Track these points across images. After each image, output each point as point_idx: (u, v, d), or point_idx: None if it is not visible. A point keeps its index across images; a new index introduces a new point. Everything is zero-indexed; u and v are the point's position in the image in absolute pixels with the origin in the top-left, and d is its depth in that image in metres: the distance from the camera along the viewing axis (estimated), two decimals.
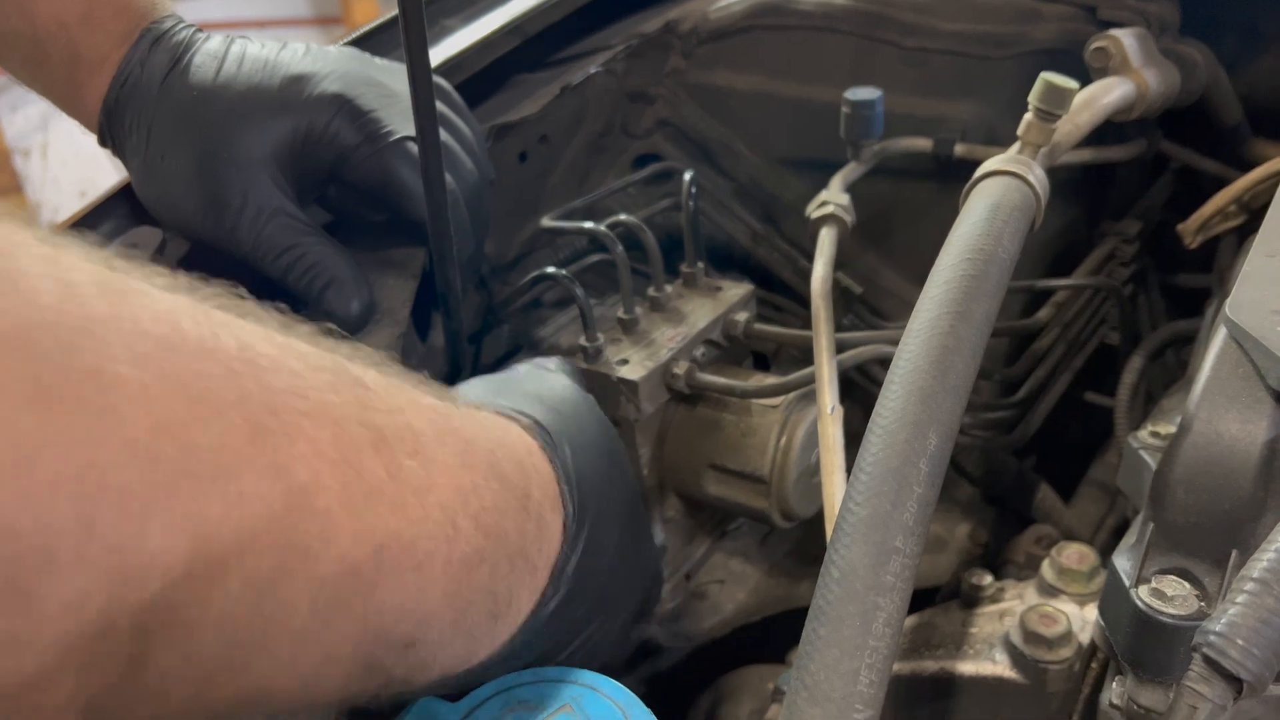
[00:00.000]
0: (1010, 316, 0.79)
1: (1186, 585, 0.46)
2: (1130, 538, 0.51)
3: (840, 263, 0.87)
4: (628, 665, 0.72)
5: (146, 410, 0.25)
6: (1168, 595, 0.46)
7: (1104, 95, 0.68)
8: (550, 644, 0.44)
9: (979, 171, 0.58)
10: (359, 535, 0.31)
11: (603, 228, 0.65)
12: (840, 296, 0.79)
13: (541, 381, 0.49)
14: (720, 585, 0.72)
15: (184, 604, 0.26)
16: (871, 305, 0.84)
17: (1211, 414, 0.47)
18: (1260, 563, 0.38)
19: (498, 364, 0.76)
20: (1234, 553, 0.46)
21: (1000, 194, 0.54)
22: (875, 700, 0.38)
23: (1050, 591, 0.63)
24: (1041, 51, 0.77)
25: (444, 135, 0.63)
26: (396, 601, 0.33)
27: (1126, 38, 0.70)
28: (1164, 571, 0.48)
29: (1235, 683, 0.37)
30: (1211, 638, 0.37)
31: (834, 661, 0.38)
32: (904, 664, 0.63)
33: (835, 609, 0.39)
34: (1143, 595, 0.46)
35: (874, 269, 0.86)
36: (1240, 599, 0.38)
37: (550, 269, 0.64)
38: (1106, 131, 0.79)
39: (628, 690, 0.43)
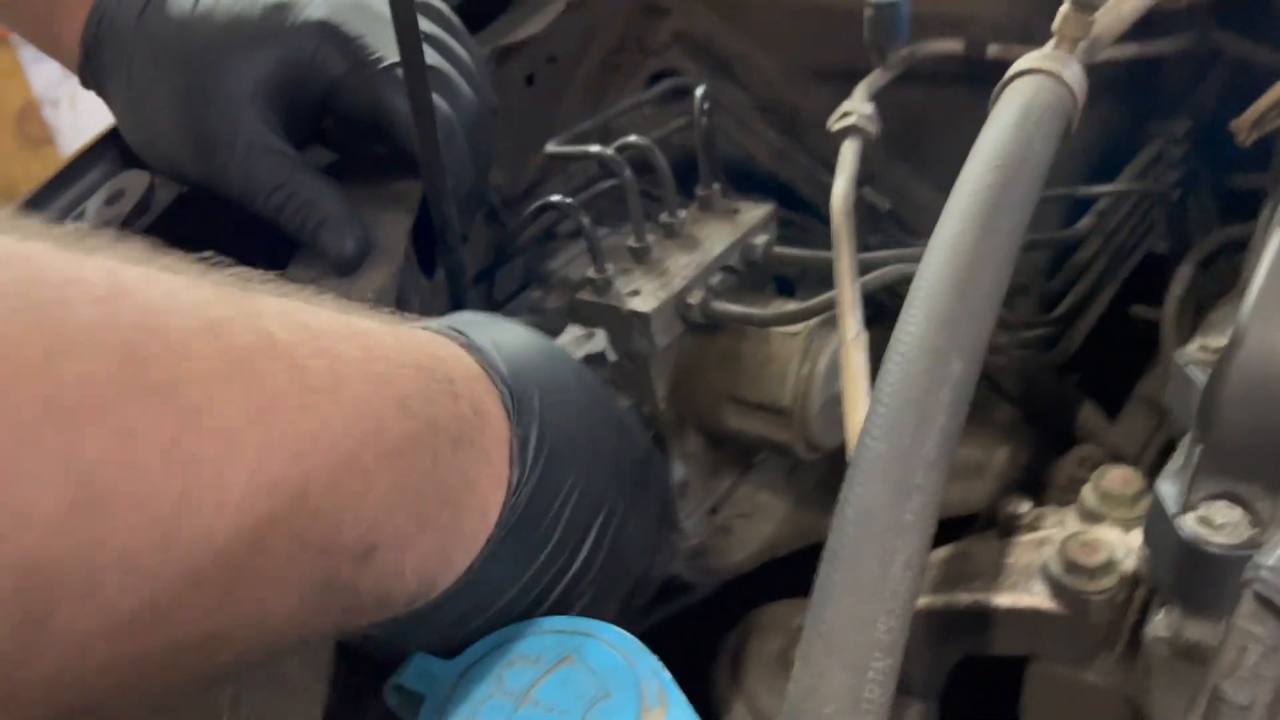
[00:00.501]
0: (1049, 227, 0.74)
1: (1238, 511, 0.43)
2: (1176, 461, 0.48)
3: (867, 177, 0.83)
4: (652, 603, 0.71)
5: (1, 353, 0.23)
6: (1216, 523, 0.43)
7: None
8: (542, 548, 0.41)
9: (1010, 71, 0.54)
10: (268, 446, 0.29)
11: (610, 151, 0.62)
12: (866, 214, 0.75)
13: (476, 317, 0.46)
14: (746, 519, 0.69)
15: (77, 550, 0.24)
16: (902, 220, 0.80)
17: (1266, 326, 0.43)
18: None
19: (513, 298, 0.73)
20: None
21: (1031, 94, 0.50)
22: (895, 647, 0.35)
23: (1092, 517, 0.60)
24: None
25: (438, 60, 0.60)
26: (332, 505, 0.31)
27: None
28: (1213, 497, 0.44)
29: None
30: (1263, 573, 0.34)
31: (850, 608, 0.36)
32: (937, 597, 0.60)
33: (851, 551, 0.37)
34: (1189, 524, 0.43)
35: (904, 182, 0.81)
36: None
37: (555, 198, 0.61)
38: (1153, 22, 0.73)
39: (632, 637, 0.41)
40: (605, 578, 0.45)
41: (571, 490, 0.42)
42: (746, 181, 0.85)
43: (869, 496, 0.37)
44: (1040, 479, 0.78)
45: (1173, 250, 0.74)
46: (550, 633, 0.41)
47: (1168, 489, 0.45)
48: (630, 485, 0.46)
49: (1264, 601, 0.34)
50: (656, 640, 0.85)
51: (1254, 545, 0.42)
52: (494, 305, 0.74)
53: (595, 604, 0.45)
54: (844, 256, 0.57)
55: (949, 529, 0.78)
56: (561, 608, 0.43)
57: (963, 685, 0.64)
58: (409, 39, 0.50)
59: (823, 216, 0.82)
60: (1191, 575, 0.43)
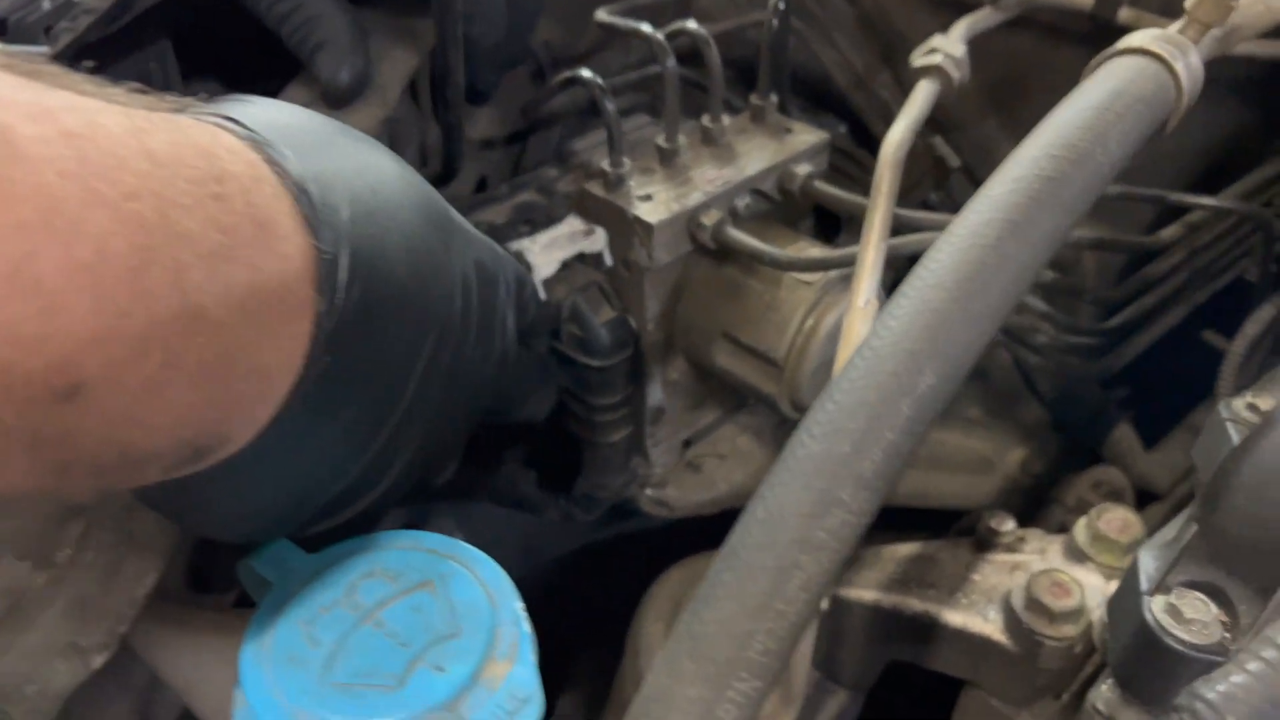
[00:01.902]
0: (1137, 229, 0.67)
1: (1213, 608, 0.38)
2: (1168, 532, 0.42)
3: (951, 125, 0.75)
4: (605, 517, 0.68)
5: None
6: (1185, 615, 0.37)
7: None
8: (362, 387, 0.36)
9: (1117, 45, 0.46)
10: None
11: (658, 35, 0.55)
12: (932, 167, 0.68)
13: (271, 110, 0.37)
14: (720, 460, 0.65)
15: None
16: (976, 179, 0.72)
17: None
18: None
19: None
20: None
21: (1128, 79, 0.43)
22: (767, 671, 0.31)
23: (1077, 556, 0.55)
24: None
25: None
26: None
27: None
28: (1193, 584, 0.39)
29: None
30: (1199, 705, 0.29)
31: (729, 616, 0.32)
32: (888, 595, 0.56)
33: (748, 556, 0.32)
34: (1155, 608, 0.38)
35: (991, 139, 0.73)
36: (1252, 665, 0.29)
37: (584, 72, 0.55)
38: None
39: (504, 575, 0.37)
40: (440, 410, 0.39)
41: (395, 316, 0.36)
42: (823, 100, 0.77)
43: (785, 500, 0.32)
44: (1051, 492, 0.72)
45: (1261, 284, 0.65)
46: (421, 550, 0.38)
47: (1147, 561, 0.40)
48: (468, 305, 0.40)
49: None
50: (599, 556, 0.83)
51: (1222, 650, 0.37)
52: (519, 174, 0.70)
53: (431, 437, 0.40)
54: (879, 211, 0.50)
55: (939, 522, 0.74)
56: (390, 449, 0.38)
57: (894, 686, 0.61)
58: None
59: None
60: (1141, 662, 0.39)
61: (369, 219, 0.35)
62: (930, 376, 0.34)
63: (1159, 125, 0.44)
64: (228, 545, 0.41)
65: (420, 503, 0.77)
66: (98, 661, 0.37)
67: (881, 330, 0.35)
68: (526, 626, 0.36)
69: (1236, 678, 0.29)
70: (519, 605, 0.36)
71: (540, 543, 0.83)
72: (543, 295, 0.54)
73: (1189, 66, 0.45)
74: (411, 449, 0.39)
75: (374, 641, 0.35)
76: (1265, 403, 0.49)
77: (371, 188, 0.36)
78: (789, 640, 0.32)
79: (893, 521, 0.74)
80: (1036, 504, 0.72)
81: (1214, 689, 0.29)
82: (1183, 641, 0.37)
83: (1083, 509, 0.71)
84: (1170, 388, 0.79)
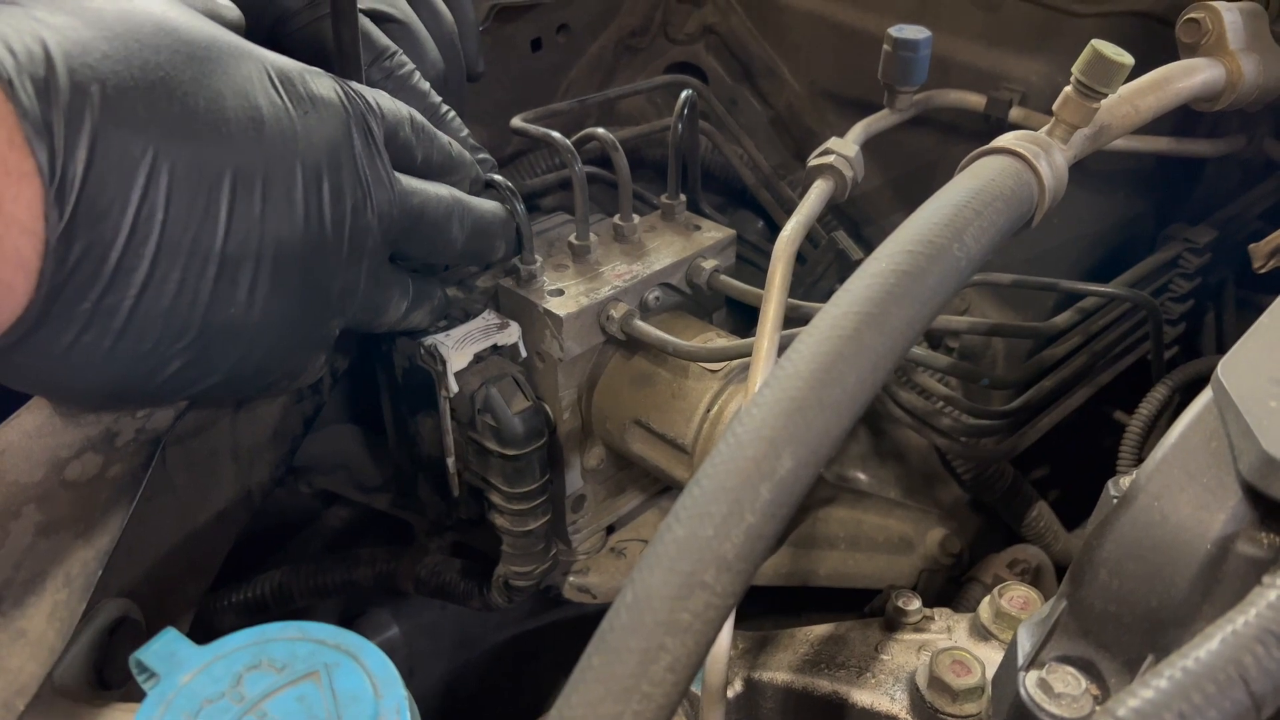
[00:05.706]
0: (1038, 316, 0.69)
1: (1083, 682, 0.39)
2: (1044, 609, 0.43)
3: (864, 220, 0.78)
4: (535, 607, 0.68)
5: None
6: (1054, 690, 0.39)
7: (1182, 78, 0.57)
8: (144, 233, 0.36)
9: (986, 146, 0.49)
10: None
11: (566, 141, 0.58)
12: (834, 259, 0.70)
13: None
14: (643, 545, 0.66)
15: None
16: None
17: (1163, 490, 0.39)
18: (1132, 699, 0.31)
19: None
20: (1150, 657, 0.39)
21: (989, 178, 0.45)
22: None
23: (982, 634, 0.56)
24: (1135, 15, 0.66)
25: (408, 13, 0.57)
26: None
27: (1229, 13, 0.59)
28: (1065, 659, 0.40)
29: None
30: None
31: (596, 699, 0.33)
32: (799, 677, 0.57)
33: (616, 639, 0.33)
34: (1028, 683, 0.39)
35: None
36: None
37: (497, 177, 0.57)
38: (1199, 121, 0.68)
39: (390, 665, 0.38)
40: (276, 248, 0.40)
41: (159, 159, 0.36)
42: (742, 198, 0.81)
43: (651, 584, 0.34)
44: (970, 571, 0.74)
45: (1156, 365, 0.68)
46: (311, 641, 0.39)
47: (1023, 638, 0.41)
48: (284, 139, 0.41)
49: None
50: (535, 644, 0.82)
51: None
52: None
53: (278, 283, 0.41)
54: (773, 303, 0.53)
55: (858, 600, 0.75)
56: (225, 288, 0.39)
57: None
58: None
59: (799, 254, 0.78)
60: None
61: (119, 70, 0.36)
62: (789, 461, 0.35)
63: (1023, 220, 0.47)
64: (124, 641, 0.42)
65: (355, 596, 0.77)
66: None
67: (744, 418, 0.36)
68: (409, 714, 0.37)
69: None
70: (403, 694, 0.37)
71: (477, 632, 0.83)
72: (455, 388, 0.56)
73: (1052, 165, 0.48)
74: (257, 307, 0.41)
75: None
76: None
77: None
78: None
79: (818, 603, 0.75)
80: (957, 583, 0.73)
81: None
82: (1053, 715, 0.38)
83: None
84: (1093, 467, 0.82)
